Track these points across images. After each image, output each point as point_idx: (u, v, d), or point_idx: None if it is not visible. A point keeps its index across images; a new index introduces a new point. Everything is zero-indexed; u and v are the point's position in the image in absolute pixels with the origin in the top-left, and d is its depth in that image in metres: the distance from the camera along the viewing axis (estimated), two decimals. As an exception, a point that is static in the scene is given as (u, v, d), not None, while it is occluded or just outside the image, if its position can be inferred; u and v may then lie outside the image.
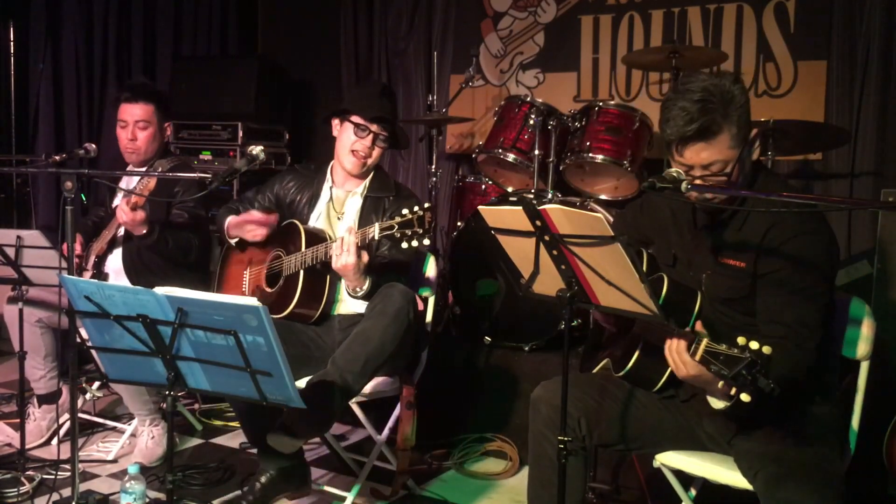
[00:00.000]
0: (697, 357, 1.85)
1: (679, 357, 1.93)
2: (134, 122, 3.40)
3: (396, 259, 2.83)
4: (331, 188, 3.02)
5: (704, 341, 1.84)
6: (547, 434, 2.22)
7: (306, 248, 2.78)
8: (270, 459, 2.80)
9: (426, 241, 2.48)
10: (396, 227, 2.46)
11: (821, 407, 2.16)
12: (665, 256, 2.33)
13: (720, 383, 1.83)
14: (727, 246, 2.16)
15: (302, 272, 2.77)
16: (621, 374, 2.20)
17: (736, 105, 2.02)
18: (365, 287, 2.68)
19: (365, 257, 2.60)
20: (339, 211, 2.98)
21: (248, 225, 2.96)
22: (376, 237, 2.52)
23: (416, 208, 2.47)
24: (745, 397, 1.74)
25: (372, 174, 2.99)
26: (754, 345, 1.74)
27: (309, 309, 2.83)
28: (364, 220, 2.91)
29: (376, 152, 2.92)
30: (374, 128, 2.88)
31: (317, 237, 2.85)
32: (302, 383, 2.80)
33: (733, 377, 1.73)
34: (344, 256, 2.57)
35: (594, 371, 2.40)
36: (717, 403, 2.00)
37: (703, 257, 2.22)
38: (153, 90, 3.52)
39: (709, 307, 2.19)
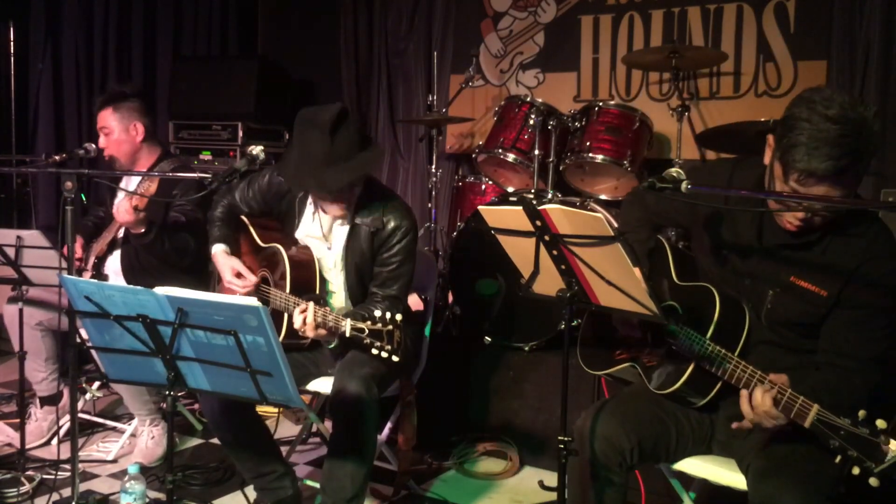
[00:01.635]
0: (807, 424, 1.79)
1: (767, 414, 1.88)
2: (99, 129, 3.42)
3: (395, 274, 2.70)
4: (313, 213, 2.79)
5: (816, 408, 1.79)
6: (599, 472, 2.13)
7: (291, 291, 2.65)
8: (268, 493, 2.80)
9: (395, 359, 2.34)
10: (367, 331, 2.34)
11: None
12: (711, 254, 2.23)
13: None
14: (808, 269, 2.04)
15: (286, 315, 2.64)
16: (664, 392, 2.14)
17: (873, 144, 1.87)
18: (333, 344, 2.59)
19: (322, 332, 2.45)
20: (327, 240, 2.79)
21: (230, 276, 2.80)
22: (347, 334, 2.38)
23: (387, 315, 2.33)
24: (873, 482, 1.69)
25: (358, 195, 2.72)
26: (882, 423, 1.68)
27: (298, 341, 2.70)
28: (352, 250, 2.73)
29: (342, 203, 2.68)
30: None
31: (303, 267, 2.72)
32: (310, 387, 2.83)
33: (885, 471, 1.66)
34: (301, 329, 2.47)
35: (608, 372, 2.36)
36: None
37: (773, 273, 2.09)
38: (114, 93, 3.48)
39: (758, 324, 2.12)
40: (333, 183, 2.55)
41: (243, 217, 2.97)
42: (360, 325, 2.35)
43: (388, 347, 2.33)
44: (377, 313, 2.35)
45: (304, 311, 2.45)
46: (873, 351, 2.00)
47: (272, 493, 2.79)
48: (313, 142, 2.54)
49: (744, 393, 1.95)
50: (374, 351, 2.34)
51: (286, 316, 2.64)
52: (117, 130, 3.41)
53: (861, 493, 2.59)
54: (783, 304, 2.08)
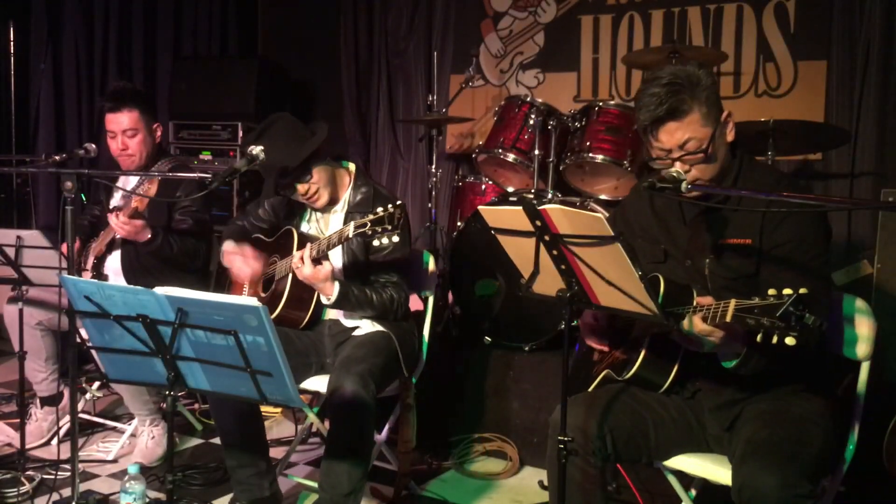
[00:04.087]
0: (728, 318, 1.84)
1: (702, 332, 1.93)
2: (122, 132, 3.32)
3: (390, 259, 2.80)
4: (310, 210, 2.97)
5: (733, 302, 1.84)
6: (573, 458, 2.15)
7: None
8: (244, 490, 2.81)
9: (395, 238, 2.52)
10: (369, 224, 2.46)
11: (811, 400, 2.15)
12: (654, 254, 2.32)
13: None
14: (728, 226, 2.18)
15: (290, 277, 2.76)
16: (627, 376, 2.18)
17: (703, 86, 2.10)
18: (333, 295, 2.67)
19: (327, 267, 2.61)
20: (324, 230, 2.93)
21: (237, 258, 2.92)
22: (351, 235, 2.51)
23: (389, 206, 2.46)
24: (790, 341, 1.72)
25: (350, 187, 2.91)
26: (788, 291, 1.74)
27: (297, 312, 2.82)
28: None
29: (313, 187, 2.81)
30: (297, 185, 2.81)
31: (311, 240, 2.81)
32: (305, 385, 2.84)
33: (782, 316, 1.71)
34: (301, 270, 2.60)
35: (588, 390, 2.37)
36: (728, 363, 2.02)
37: (702, 244, 2.22)
38: (135, 93, 3.41)
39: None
40: (273, 185, 2.78)
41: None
42: (362, 220, 2.48)
43: (389, 227, 2.44)
44: (379, 209, 2.46)
45: (302, 249, 2.62)
46: (812, 285, 2.01)
47: (249, 490, 2.80)
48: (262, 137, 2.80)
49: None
50: (376, 242, 2.49)
51: (289, 279, 2.76)
52: (144, 132, 3.36)
53: (861, 492, 2.60)
54: (719, 267, 2.18)
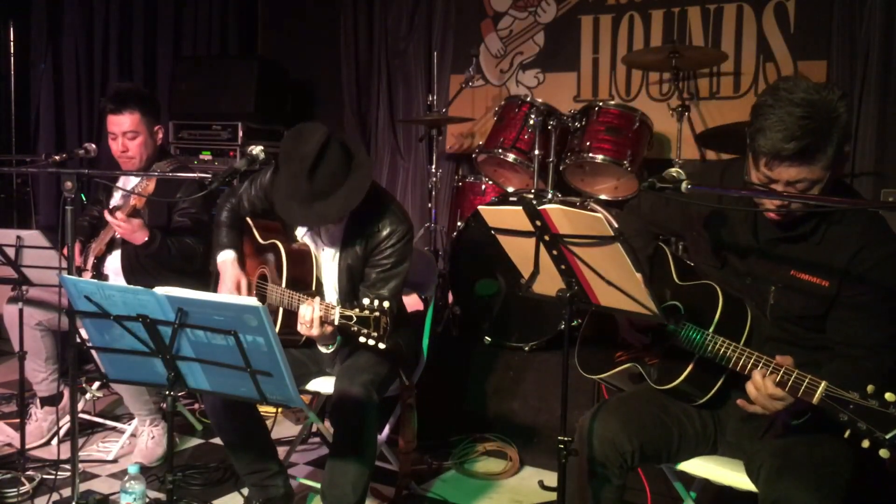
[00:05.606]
0: (815, 400, 1.78)
1: (772, 396, 1.87)
2: (122, 134, 3.32)
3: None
4: None
5: (824, 384, 1.78)
6: (598, 471, 2.12)
7: (286, 286, 2.67)
8: (259, 490, 2.81)
9: (381, 346, 2.31)
10: (355, 318, 2.32)
11: None
12: (710, 257, 2.22)
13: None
14: (806, 261, 2.04)
15: (281, 309, 2.69)
16: (665, 388, 2.13)
17: (839, 125, 1.87)
18: (333, 347, 2.58)
19: (328, 329, 2.43)
20: (321, 239, 2.80)
21: (231, 286, 2.80)
22: (336, 322, 2.38)
23: (376, 303, 2.30)
24: (884, 454, 1.68)
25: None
26: (891, 396, 1.68)
27: (292, 336, 2.71)
28: (346, 245, 2.72)
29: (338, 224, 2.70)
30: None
31: (300, 263, 2.73)
32: (310, 387, 2.83)
33: (893, 440, 1.65)
34: (305, 328, 2.44)
35: (607, 375, 2.34)
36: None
37: (772, 269, 2.09)
38: (137, 95, 3.39)
39: (764, 321, 2.11)
40: (316, 221, 2.66)
41: (247, 219, 2.97)
42: (349, 312, 2.34)
43: (375, 334, 2.31)
44: (365, 301, 2.33)
45: (310, 304, 2.44)
46: (882, 336, 1.99)
47: (264, 490, 2.80)
48: (295, 177, 2.54)
49: (755, 382, 1.93)
50: (362, 339, 2.32)
51: (280, 311, 2.68)
52: (145, 134, 3.35)
53: (861, 492, 2.59)
54: (786, 299, 2.08)
